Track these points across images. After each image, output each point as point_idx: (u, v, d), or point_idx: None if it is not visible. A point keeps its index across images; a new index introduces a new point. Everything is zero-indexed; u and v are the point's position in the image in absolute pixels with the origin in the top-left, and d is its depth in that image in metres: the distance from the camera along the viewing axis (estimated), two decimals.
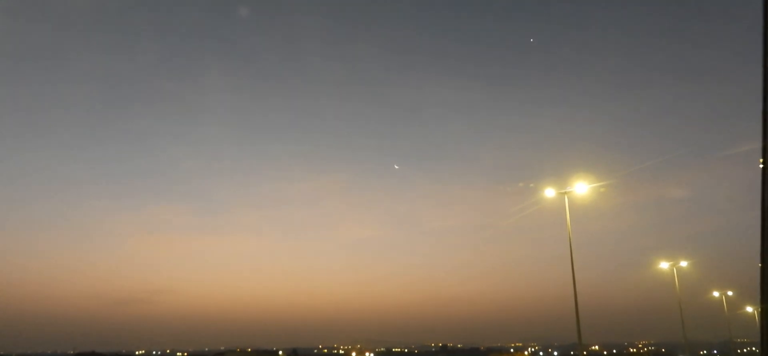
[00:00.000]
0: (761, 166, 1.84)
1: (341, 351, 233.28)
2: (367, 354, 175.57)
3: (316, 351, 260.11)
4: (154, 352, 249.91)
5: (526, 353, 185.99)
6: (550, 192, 27.73)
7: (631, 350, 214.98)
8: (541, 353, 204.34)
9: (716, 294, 63.14)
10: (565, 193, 27.25)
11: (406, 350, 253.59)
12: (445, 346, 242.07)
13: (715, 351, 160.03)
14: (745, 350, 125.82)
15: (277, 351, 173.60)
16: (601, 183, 27.65)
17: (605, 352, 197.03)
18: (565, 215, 26.88)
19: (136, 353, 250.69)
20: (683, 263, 48.22)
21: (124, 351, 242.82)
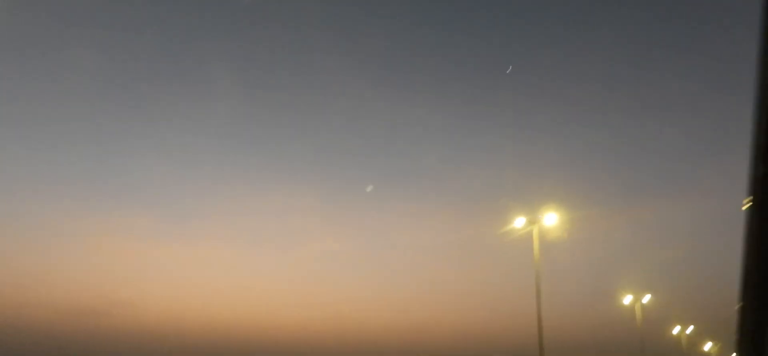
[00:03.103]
0: (747, 206, 1.70)
1: None
2: None
3: None
4: None
5: None
6: (520, 222, 27.75)
7: None
8: None
9: (677, 329, 64.17)
10: (534, 224, 27.31)
11: None
12: None
13: None
14: None
15: None
16: (573, 212, 27.84)
17: None
18: (534, 243, 26.91)
19: None
20: (645, 299, 48.84)
21: None
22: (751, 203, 1.82)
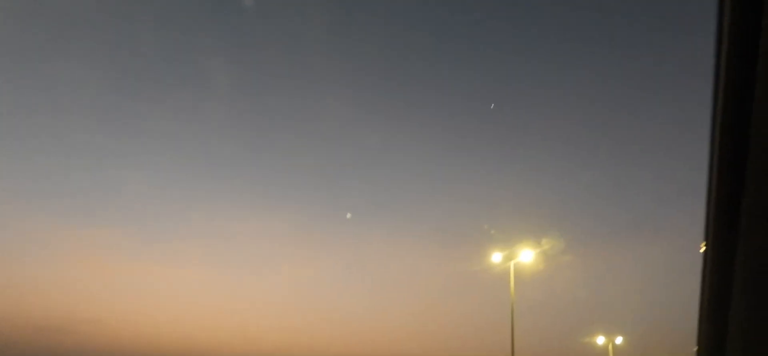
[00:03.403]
0: (702, 250, 1.77)
1: None
2: None
3: None
4: None
5: None
6: (496, 257, 27.89)
7: None
8: None
9: None
10: (511, 260, 27.46)
11: None
12: None
13: None
14: None
15: None
16: (550, 250, 28.07)
17: None
18: (510, 280, 27.02)
19: None
20: (618, 340, 49.10)
21: None
22: (705, 247, 1.89)
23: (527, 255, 27.60)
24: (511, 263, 27.36)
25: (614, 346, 48.95)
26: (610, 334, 49.23)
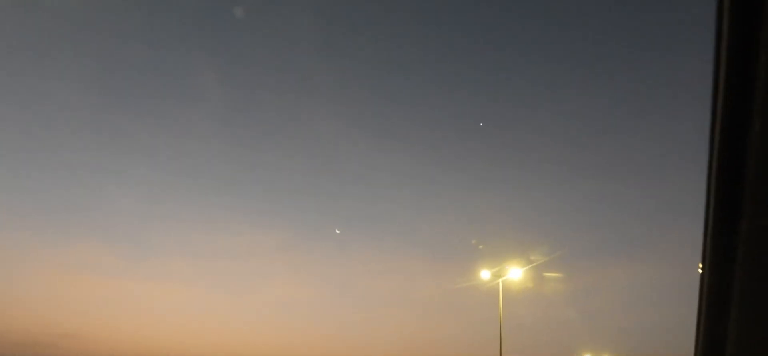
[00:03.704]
0: (700, 271, 1.79)
1: None
2: None
3: None
4: None
5: None
6: (485, 274, 27.91)
7: None
8: None
9: None
10: (499, 277, 27.49)
11: None
12: None
13: None
14: None
15: None
16: (539, 268, 28.14)
17: None
18: (498, 297, 27.02)
19: None
20: None
21: None
22: (702, 268, 1.92)
23: (516, 273, 27.65)
24: (500, 281, 27.38)
25: None
26: (598, 353, 49.26)
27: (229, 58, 59.01)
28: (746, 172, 1.58)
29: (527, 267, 27.98)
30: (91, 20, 56.97)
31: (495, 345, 26.32)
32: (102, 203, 63.50)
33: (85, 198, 62.91)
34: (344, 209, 63.68)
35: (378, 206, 63.56)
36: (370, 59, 59.11)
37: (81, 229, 63.19)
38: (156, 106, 61.53)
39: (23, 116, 59.21)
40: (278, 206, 65.76)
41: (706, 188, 1.79)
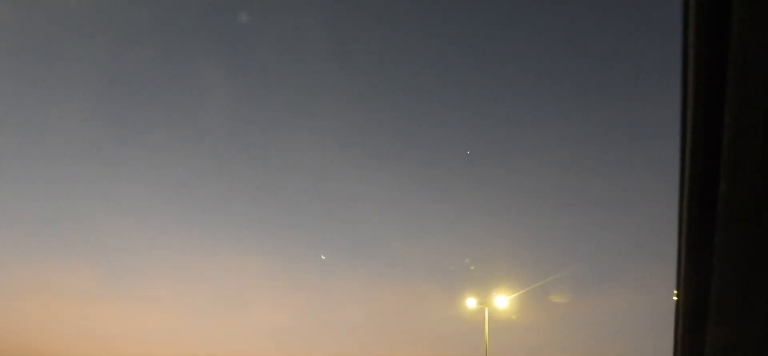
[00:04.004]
0: (675, 298, 1.80)
1: None
2: None
3: None
4: None
5: None
6: (471, 302, 27.80)
7: None
8: None
9: None
10: (485, 305, 27.38)
11: None
12: None
13: None
14: None
15: None
16: (525, 297, 28.08)
17: None
18: (485, 326, 26.87)
19: None
20: None
21: None
22: (677, 285, 1.90)
23: (502, 301, 27.57)
24: (486, 310, 27.26)
25: None
26: None
27: (210, 81, 59.16)
28: (719, 181, 1.57)
29: (513, 295, 27.94)
30: (79, 35, 56.90)
31: None
32: (81, 220, 62.61)
33: (63, 215, 61.98)
34: (328, 233, 63.37)
35: (363, 232, 63.35)
36: (356, 84, 59.48)
37: (59, 247, 62.09)
38: (140, 124, 61.27)
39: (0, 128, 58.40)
40: (262, 229, 65.32)
41: (679, 203, 1.78)
